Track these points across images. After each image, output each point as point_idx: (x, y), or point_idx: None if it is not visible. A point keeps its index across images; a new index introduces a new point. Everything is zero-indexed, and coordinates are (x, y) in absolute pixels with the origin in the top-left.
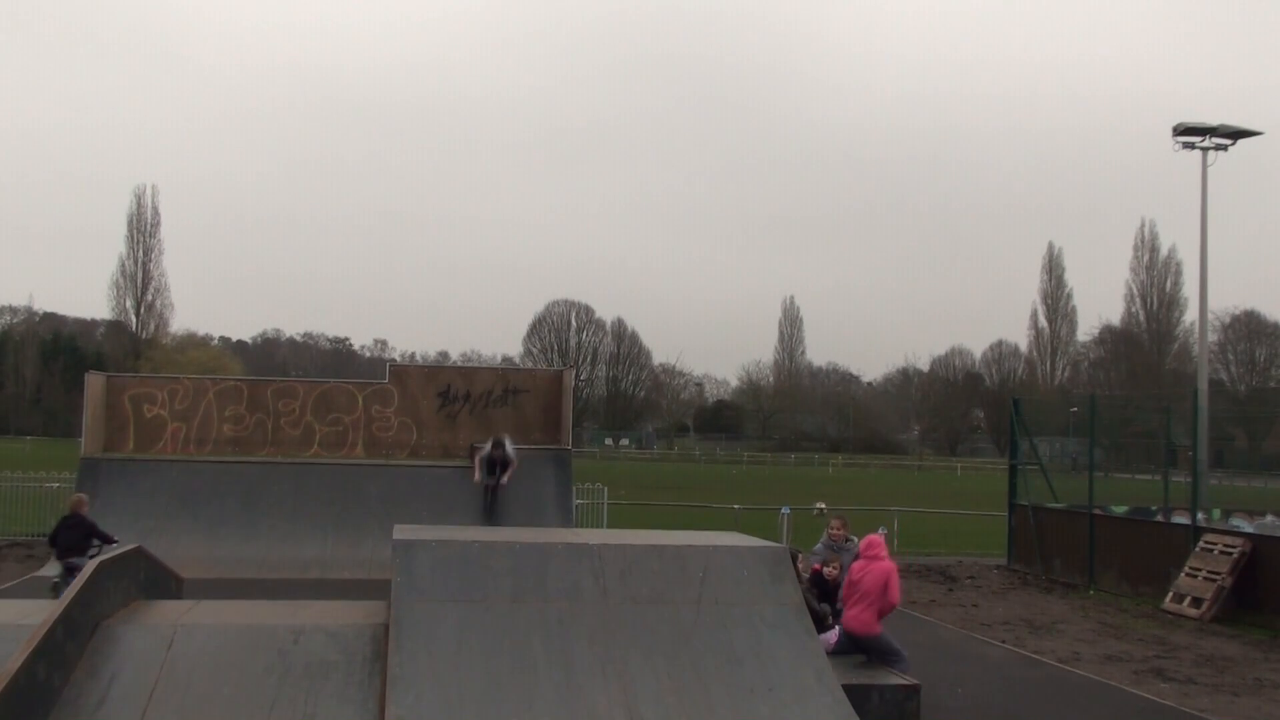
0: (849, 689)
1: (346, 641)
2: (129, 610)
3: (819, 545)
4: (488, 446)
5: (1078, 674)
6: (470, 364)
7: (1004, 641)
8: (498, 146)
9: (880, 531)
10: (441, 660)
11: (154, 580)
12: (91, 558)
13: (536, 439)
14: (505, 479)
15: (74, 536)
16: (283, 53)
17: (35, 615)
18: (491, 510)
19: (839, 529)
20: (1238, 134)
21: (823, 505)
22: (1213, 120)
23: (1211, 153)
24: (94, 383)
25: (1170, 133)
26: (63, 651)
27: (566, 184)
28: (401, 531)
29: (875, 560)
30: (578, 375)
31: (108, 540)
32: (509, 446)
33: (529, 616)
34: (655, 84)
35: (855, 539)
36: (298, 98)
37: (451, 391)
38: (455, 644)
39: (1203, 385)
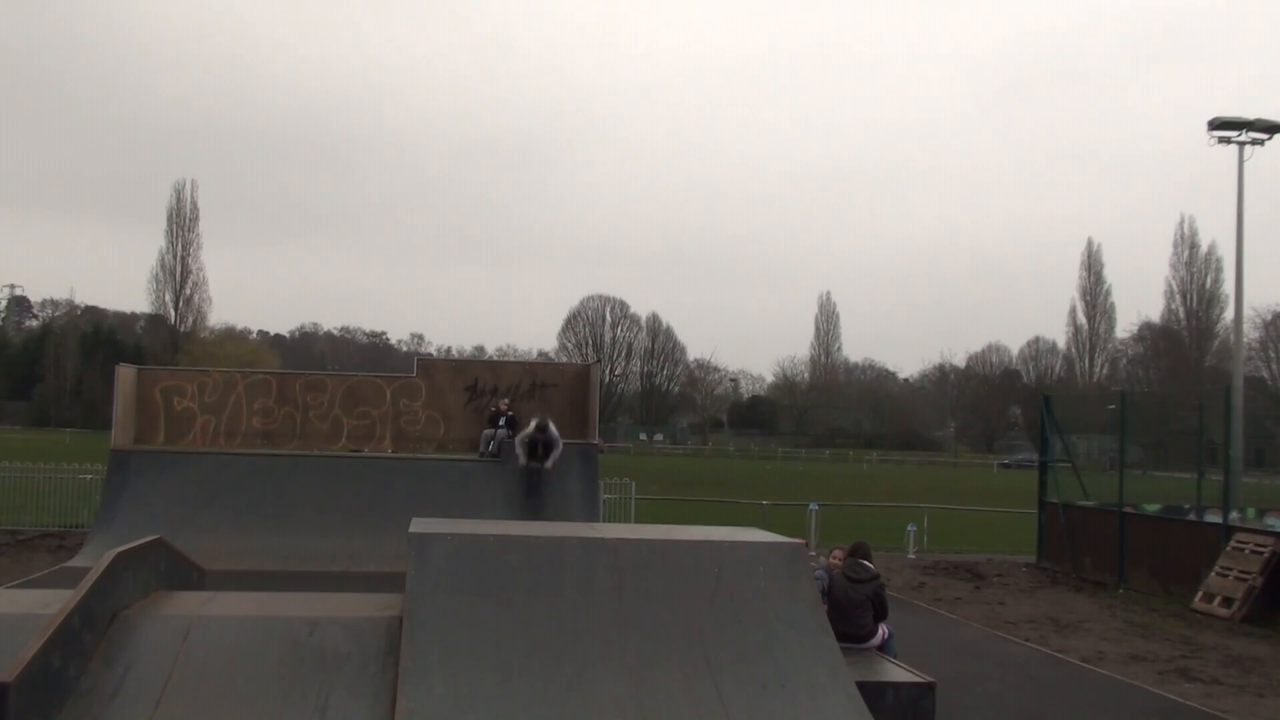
0: (863, 686)
1: (360, 634)
2: (148, 601)
3: None
4: (530, 427)
5: (1100, 673)
6: (505, 358)
7: (1027, 640)
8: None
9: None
10: (454, 653)
11: (174, 571)
12: None
13: (563, 433)
14: (550, 463)
15: None
16: (309, 46)
17: (53, 605)
18: (535, 491)
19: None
20: (1274, 128)
21: None
22: (1250, 114)
23: (1248, 147)
24: (125, 375)
25: (1205, 127)
26: (79, 641)
27: (591, 179)
28: (419, 524)
29: None
30: (612, 370)
31: None
32: (552, 429)
33: (543, 611)
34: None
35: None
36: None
37: (479, 385)
38: (468, 637)
39: (1238, 381)
